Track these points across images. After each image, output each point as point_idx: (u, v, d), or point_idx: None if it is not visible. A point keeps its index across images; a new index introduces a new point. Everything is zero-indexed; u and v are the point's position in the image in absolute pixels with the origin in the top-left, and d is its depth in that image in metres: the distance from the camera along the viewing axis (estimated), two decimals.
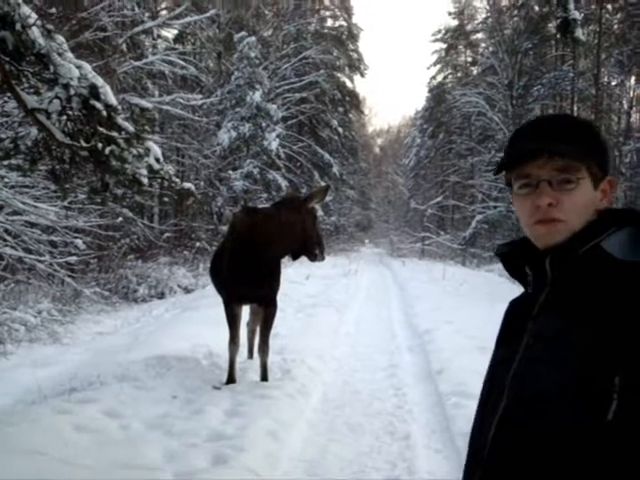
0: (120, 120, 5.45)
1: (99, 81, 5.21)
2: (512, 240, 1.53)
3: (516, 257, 1.46)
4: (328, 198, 19.48)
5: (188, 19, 17.85)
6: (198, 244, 21.16)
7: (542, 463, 1.23)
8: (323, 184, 19.53)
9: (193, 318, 9.79)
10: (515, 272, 1.49)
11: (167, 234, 20.79)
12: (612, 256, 1.27)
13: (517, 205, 1.42)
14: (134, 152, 5.36)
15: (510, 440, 1.30)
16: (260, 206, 11.78)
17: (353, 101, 39.09)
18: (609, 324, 1.21)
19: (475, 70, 38.06)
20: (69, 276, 12.36)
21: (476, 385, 5.75)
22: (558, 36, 23.24)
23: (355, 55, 40.47)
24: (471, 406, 5.71)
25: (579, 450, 1.17)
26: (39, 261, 11.43)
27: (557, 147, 1.35)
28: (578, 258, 1.32)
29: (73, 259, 12.26)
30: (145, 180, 5.57)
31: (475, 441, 1.44)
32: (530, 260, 1.41)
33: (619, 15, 26.48)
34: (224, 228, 19.41)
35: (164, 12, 20.67)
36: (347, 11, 40.11)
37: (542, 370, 1.29)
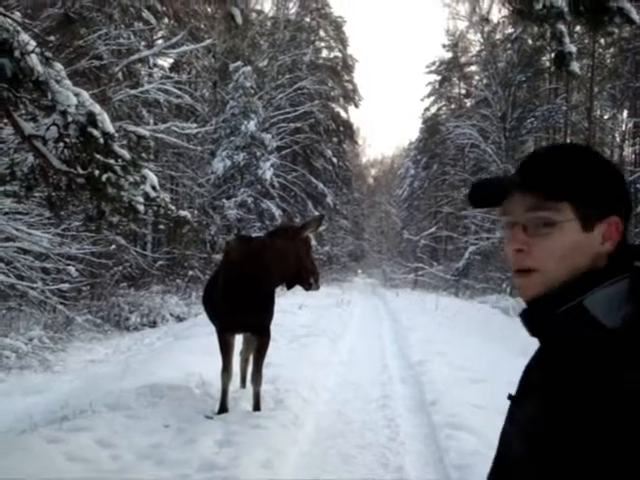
0: (117, 148, 5.48)
1: (97, 109, 5.24)
2: None
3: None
4: (322, 228, 19.52)
5: (184, 48, 17.95)
6: (191, 272, 21.14)
7: None
8: (317, 214, 19.60)
9: (185, 347, 9.75)
10: None
11: (160, 262, 20.78)
12: (595, 318, 1.05)
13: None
14: (130, 180, 5.39)
15: None
16: (254, 235, 11.78)
17: (347, 131, 39.31)
18: (555, 404, 1.05)
19: (469, 102, 38.37)
20: (61, 303, 12.34)
21: (469, 417, 5.67)
22: (552, 69, 23.48)
23: (350, 86, 40.79)
24: (464, 438, 5.64)
25: None
26: (31, 288, 11.41)
27: (526, 180, 1.15)
28: (557, 317, 1.10)
29: (65, 286, 12.24)
30: (141, 208, 5.59)
31: None
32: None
33: (612, 49, 26.76)
34: (217, 257, 19.40)
35: (160, 41, 20.87)
36: (342, 42, 40.48)
37: (507, 428, 1.23)
